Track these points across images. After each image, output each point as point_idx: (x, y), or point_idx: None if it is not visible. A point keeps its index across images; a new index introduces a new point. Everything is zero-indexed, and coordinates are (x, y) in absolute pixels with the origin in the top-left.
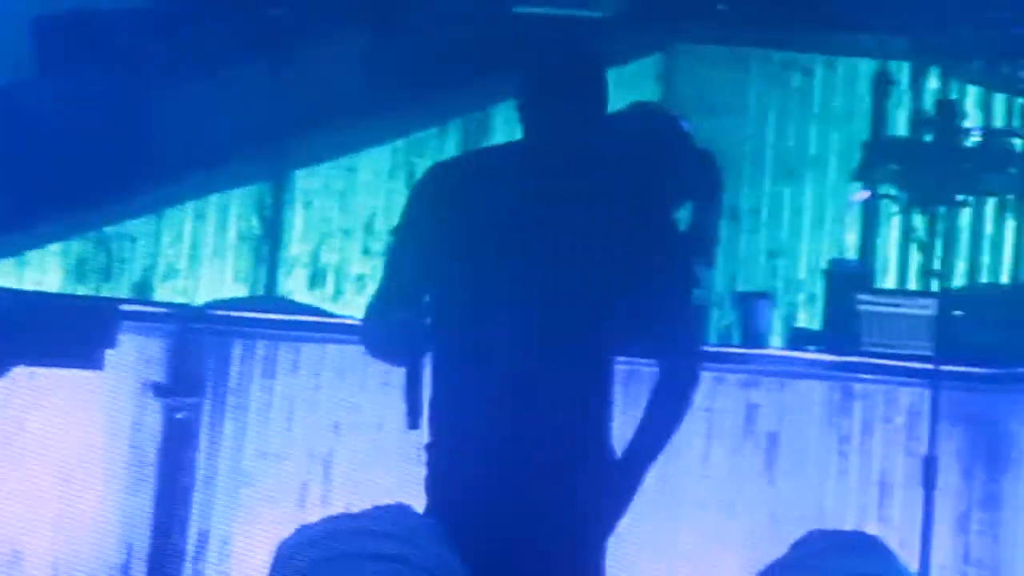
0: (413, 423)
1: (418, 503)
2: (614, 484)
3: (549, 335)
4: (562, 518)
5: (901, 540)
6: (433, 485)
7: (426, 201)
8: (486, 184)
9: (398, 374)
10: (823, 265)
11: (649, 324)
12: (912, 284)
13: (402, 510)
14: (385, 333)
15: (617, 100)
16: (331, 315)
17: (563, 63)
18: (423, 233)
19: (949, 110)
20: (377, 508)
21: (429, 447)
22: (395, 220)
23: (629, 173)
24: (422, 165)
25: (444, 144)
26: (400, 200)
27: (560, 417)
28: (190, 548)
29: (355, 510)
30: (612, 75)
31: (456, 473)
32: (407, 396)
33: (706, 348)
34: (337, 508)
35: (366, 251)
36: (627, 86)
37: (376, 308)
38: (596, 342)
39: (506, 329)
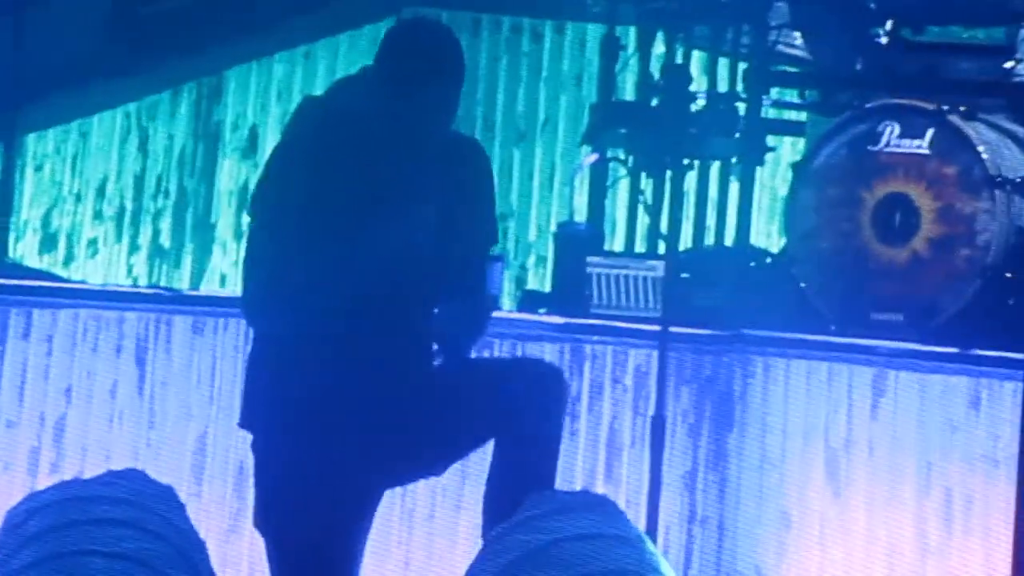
0: None
1: (151, 468)
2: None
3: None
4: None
5: (628, 499)
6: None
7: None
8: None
9: (131, 338)
10: (553, 228)
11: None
12: (640, 246)
13: (134, 475)
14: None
15: (351, 65)
16: (63, 280)
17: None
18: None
19: (675, 74)
20: (109, 473)
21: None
22: (127, 184)
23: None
24: (154, 129)
25: (177, 108)
26: (132, 164)
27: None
28: None
29: (87, 476)
30: (345, 40)
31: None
32: None
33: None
34: (69, 474)
35: (98, 215)
36: (361, 51)
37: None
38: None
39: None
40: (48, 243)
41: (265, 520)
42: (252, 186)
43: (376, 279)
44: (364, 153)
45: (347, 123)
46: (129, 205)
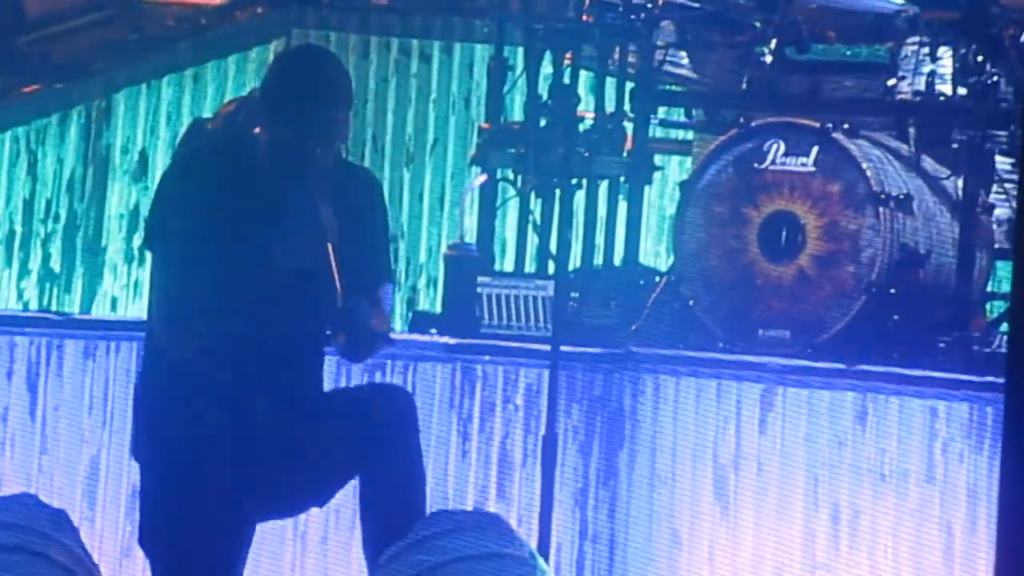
0: None
1: (43, 492)
2: None
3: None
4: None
5: (521, 517)
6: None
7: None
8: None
9: (22, 362)
10: (443, 249)
11: None
12: (530, 266)
13: (27, 500)
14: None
15: (240, 87)
16: None
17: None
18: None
19: (563, 95)
20: (1, 499)
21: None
22: (17, 208)
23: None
24: (43, 153)
25: (65, 132)
26: (20, 188)
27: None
28: None
29: None
30: (234, 62)
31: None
32: None
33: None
34: None
35: None
36: (250, 73)
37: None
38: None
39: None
40: None
41: (150, 540)
42: (146, 212)
43: (267, 308)
44: (257, 182)
45: (239, 151)
46: (19, 229)
